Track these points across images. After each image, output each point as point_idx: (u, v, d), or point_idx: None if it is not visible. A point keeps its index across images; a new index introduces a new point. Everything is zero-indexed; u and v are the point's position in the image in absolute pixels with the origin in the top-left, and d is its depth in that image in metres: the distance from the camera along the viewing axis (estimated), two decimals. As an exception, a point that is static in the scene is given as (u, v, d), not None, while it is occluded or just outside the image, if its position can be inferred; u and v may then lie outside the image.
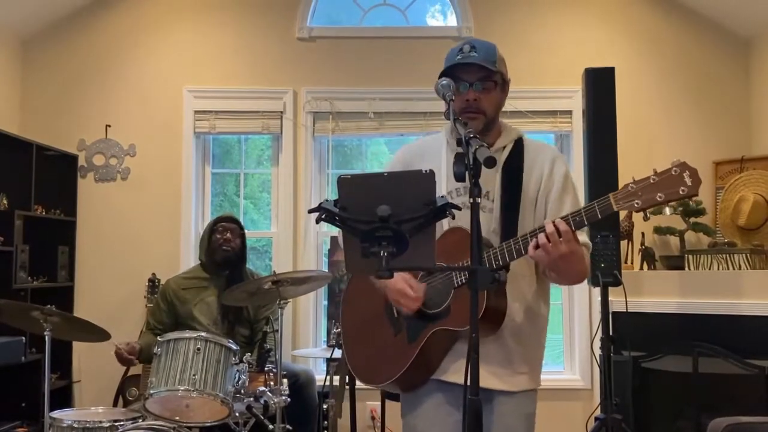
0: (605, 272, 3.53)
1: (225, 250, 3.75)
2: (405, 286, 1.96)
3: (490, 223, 1.98)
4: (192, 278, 3.82)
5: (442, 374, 2.01)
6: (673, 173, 1.76)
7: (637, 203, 1.77)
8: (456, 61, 1.99)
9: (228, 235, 3.77)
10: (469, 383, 1.46)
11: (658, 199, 1.76)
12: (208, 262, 3.80)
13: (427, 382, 2.03)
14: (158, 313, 3.78)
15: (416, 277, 2.00)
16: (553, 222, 1.79)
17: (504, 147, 2.06)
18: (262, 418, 3.02)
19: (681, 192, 1.74)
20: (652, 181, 1.77)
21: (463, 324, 1.88)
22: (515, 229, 1.97)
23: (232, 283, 3.59)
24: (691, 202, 4.19)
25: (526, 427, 2.03)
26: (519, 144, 2.07)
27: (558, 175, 2.06)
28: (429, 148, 2.14)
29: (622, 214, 4.14)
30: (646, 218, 1.84)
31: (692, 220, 4.27)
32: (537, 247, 1.79)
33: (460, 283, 1.93)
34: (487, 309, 1.84)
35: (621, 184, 1.84)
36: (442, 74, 1.98)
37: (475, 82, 1.99)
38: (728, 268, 3.89)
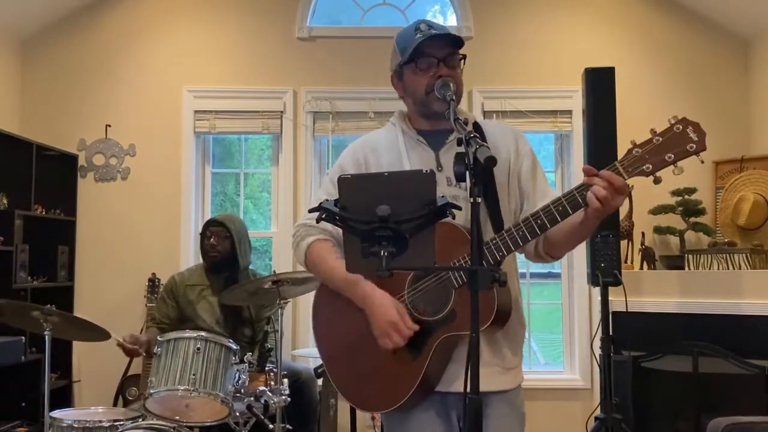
0: (605, 272, 3.52)
1: (212, 255, 3.76)
2: (398, 319, 1.80)
3: (467, 212, 1.77)
4: (196, 276, 3.82)
5: (438, 386, 1.87)
6: (676, 130, 1.69)
7: (648, 167, 1.69)
8: (419, 39, 1.88)
9: (213, 240, 3.75)
10: (469, 383, 1.44)
11: (668, 159, 1.68)
12: (205, 265, 3.82)
13: (427, 398, 1.87)
14: (164, 307, 3.78)
15: (405, 279, 1.87)
16: (602, 175, 1.69)
17: None
18: (263, 417, 3.03)
19: (690, 149, 1.68)
20: (656, 141, 1.69)
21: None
22: (499, 214, 1.90)
23: (229, 284, 3.59)
24: (691, 198, 4.22)
25: (521, 426, 1.97)
26: (477, 127, 1.98)
27: (524, 152, 2.01)
28: (382, 143, 2.02)
29: (623, 211, 4.14)
30: (657, 181, 1.72)
31: (692, 219, 4.27)
32: (598, 200, 1.67)
33: (462, 281, 1.80)
34: (498, 309, 1.76)
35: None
36: (410, 58, 1.90)
37: (444, 57, 1.91)
38: (728, 268, 3.89)
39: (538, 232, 1.78)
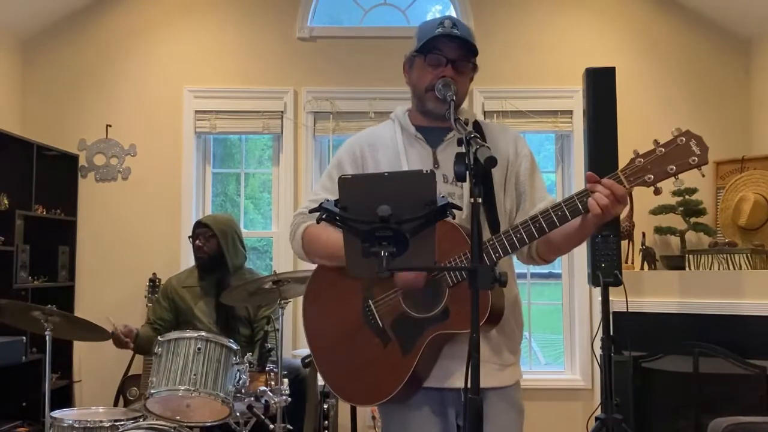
0: (606, 272, 3.52)
1: (199, 257, 3.76)
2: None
3: (464, 211, 1.85)
4: (192, 278, 3.82)
5: (432, 381, 1.88)
6: (680, 143, 1.71)
7: (649, 178, 1.70)
8: (437, 33, 1.89)
9: (198, 241, 3.74)
10: (469, 383, 1.44)
11: (670, 171, 1.70)
12: (197, 269, 3.83)
13: (417, 393, 1.89)
14: (159, 309, 3.78)
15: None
16: (604, 183, 1.70)
17: None
18: (263, 417, 3.02)
19: (692, 162, 1.69)
20: (659, 153, 1.71)
21: (466, 325, 1.73)
22: (495, 214, 1.91)
23: (222, 285, 3.59)
24: (692, 198, 4.21)
25: (520, 422, 1.97)
26: (477, 127, 1.98)
27: (523, 154, 2.02)
28: (380, 138, 2.03)
29: (624, 211, 4.13)
30: (657, 192, 1.74)
31: (693, 220, 4.27)
32: (599, 207, 1.68)
33: (456, 280, 1.80)
34: (492, 310, 1.76)
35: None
36: (422, 47, 1.92)
37: (454, 59, 1.92)
38: (729, 268, 3.89)
39: (536, 236, 1.78)
